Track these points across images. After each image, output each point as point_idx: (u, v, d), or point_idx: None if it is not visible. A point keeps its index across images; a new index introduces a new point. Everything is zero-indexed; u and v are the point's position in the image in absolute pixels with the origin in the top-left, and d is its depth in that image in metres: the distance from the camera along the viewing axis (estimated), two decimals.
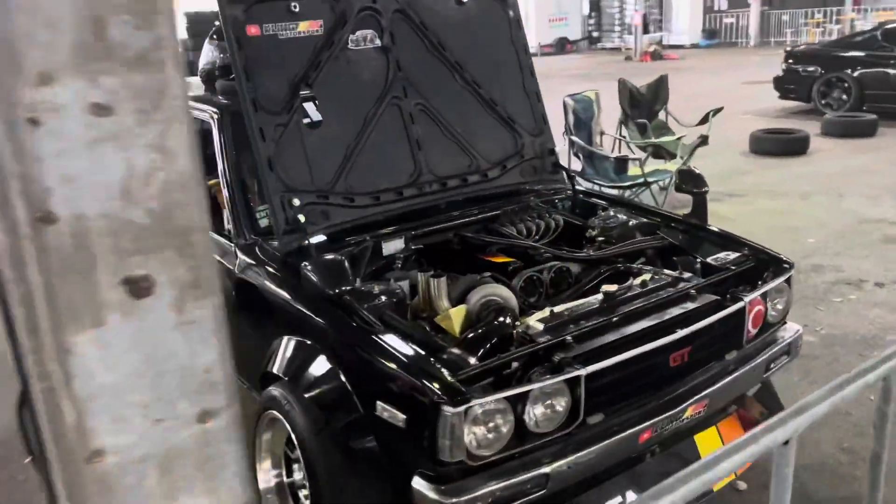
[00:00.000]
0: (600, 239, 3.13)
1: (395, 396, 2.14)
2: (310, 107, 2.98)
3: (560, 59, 23.81)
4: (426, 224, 3.10)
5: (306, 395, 2.37)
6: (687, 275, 2.71)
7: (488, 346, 2.30)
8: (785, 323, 2.87)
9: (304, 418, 2.34)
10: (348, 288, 2.31)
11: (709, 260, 2.86)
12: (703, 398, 2.45)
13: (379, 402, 2.17)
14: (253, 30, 2.88)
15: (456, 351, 2.24)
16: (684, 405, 2.39)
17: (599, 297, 2.52)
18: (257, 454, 2.68)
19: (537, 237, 3.18)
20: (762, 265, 2.82)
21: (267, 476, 2.69)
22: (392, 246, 2.99)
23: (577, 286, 2.84)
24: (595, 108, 6.00)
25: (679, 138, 6.21)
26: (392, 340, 2.23)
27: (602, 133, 6.07)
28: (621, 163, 5.15)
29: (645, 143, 6.44)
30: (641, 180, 5.43)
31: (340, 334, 2.39)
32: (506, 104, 3.48)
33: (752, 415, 2.78)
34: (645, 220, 3.21)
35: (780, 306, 2.77)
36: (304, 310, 2.53)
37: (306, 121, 2.96)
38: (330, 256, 2.40)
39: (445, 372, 2.07)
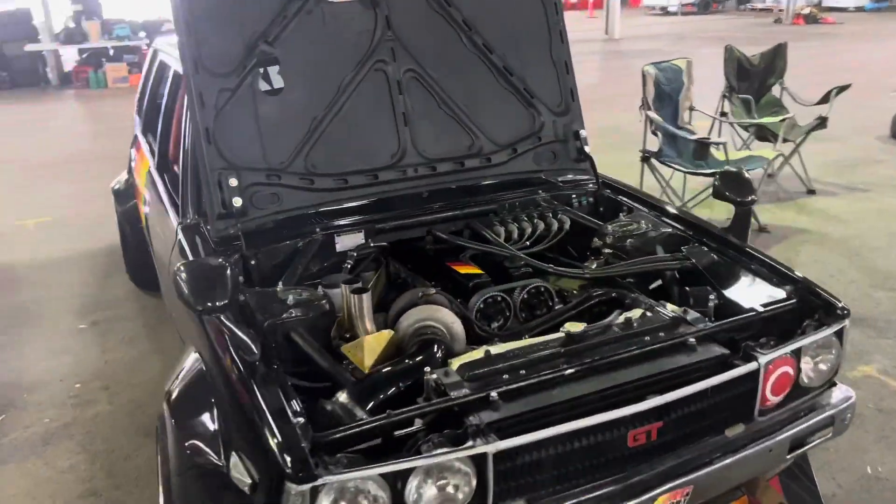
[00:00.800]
0: (608, 251, 2.52)
1: (246, 453, 1.68)
2: (269, 70, 2.52)
3: (701, 20, 22.13)
4: (397, 216, 2.59)
5: (178, 427, 1.95)
6: (693, 315, 2.06)
7: (389, 393, 1.81)
8: (834, 385, 2.16)
9: (173, 452, 1.94)
10: (221, 303, 1.83)
11: (731, 295, 2.19)
12: (685, 484, 1.84)
13: (233, 455, 1.72)
14: None
15: (342, 399, 1.75)
16: (654, 493, 1.80)
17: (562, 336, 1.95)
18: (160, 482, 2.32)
19: (528, 242, 2.61)
20: (806, 309, 2.12)
21: None
22: (349, 241, 2.52)
23: (556, 312, 2.26)
24: (684, 79, 5.16)
25: (783, 119, 5.26)
26: (262, 375, 1.75)
27: (692, 108, 5.23)
28: (701, 147, 4.37)
29: (743, 122, 5.53)
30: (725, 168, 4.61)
31: (211, 360, 1.95)
32: (525, 75, 2.88)
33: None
34: (672, 230, 2.56)
35: (823, 367, 2.07)
36: (194, 322, 2.10)
37: (265, 87, 2.51)
38: (215, 260, 1.95)
39: (302, 431, 1.58)
